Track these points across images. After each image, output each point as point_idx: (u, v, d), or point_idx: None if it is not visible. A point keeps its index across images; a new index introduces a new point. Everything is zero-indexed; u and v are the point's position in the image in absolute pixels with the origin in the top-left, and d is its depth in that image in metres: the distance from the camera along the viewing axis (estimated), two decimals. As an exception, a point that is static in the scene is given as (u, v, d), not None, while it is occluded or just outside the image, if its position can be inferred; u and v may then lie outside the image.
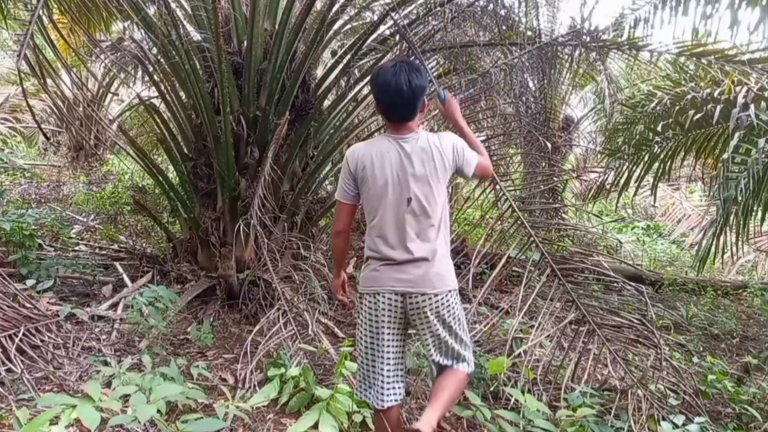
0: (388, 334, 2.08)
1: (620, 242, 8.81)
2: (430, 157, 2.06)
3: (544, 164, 6.59)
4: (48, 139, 11.99)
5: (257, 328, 3.68)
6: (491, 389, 3.06)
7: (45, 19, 3.75)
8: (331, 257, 5.58)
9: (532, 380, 3.01)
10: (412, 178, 2.03)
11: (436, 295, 2.04)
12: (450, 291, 2.11)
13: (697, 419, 2.64)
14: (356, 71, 5.10)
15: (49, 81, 4.09)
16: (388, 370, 2.08)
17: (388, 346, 2.08)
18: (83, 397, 1.96)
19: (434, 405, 2.00)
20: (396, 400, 2.10)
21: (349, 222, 2.21)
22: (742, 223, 4.38)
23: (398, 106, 2.06)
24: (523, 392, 2.62)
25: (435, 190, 2.06)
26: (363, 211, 2.17)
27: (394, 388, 2.09)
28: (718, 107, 4.30)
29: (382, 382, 2.07)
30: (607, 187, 6.56)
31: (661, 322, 4.86)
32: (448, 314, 2.08)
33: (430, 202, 2.05)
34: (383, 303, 2.04)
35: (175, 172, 4.97)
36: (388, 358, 2.08)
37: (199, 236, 4.39)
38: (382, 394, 2.07)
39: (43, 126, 12.34)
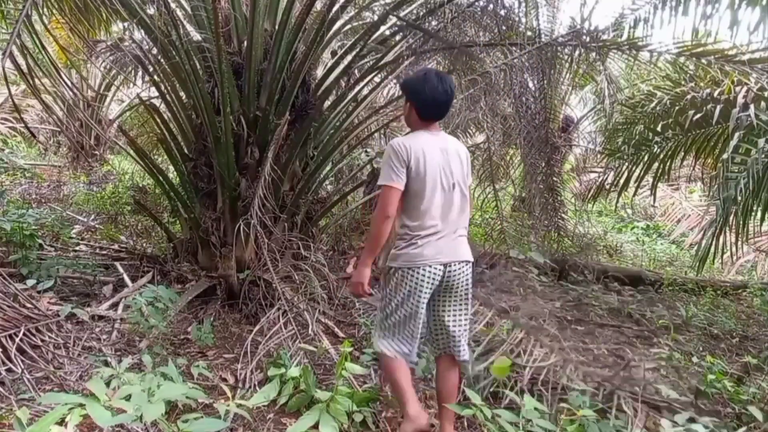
0: (424, 302, 2.42)
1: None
2: (456, 151, 2.51)
3: (543, 164, 6.59)
4: (39, 141, 11.98)
5: (257, 327, 3.69)
6: (491, 389, 3.06)
7: (42, 20, 3.74)
8: (331, 257, 5.61)
9: (533, 380, 3.01)
10: (455, 167, 2.45)
11: (469, 263, 2.48)
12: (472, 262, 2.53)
13: (702, 419, 2.64)
14: (356, 71, 5.10)
15: (46, 81, 4.09)
16: (421, 334, 2.49)
17: (422, 313, 2.44)
18: (89, 396, 1.96)
19: (448, 423, 2.44)
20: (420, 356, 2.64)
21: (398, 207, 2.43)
22: (741, 223, 4.39)
23: (443, 107, 2.50)
24: (522, 392, 2.62)
25: (466, 179, 2.52)
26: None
27: (417, 347, 2.52)
28: (718, 107, 4.30)
29: (414, 342, 2.46)
30: (607, 187, 6.57)
31: (661, 321, 4.86)
32: (469, 285, 2.51)
33: (466, 187, 2.51)
34: (429, 274, 2.37)
35: (175, 172, 4.98)
36: (421, 324, 2.46)
37: (200, 236, 4.40)
38: (412, 352, 2.47)
39: (42, 126, 12.35)
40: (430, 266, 2.37)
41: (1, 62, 3.37)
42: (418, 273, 2.37)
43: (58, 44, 4.90)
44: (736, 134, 4.01)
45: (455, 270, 2.42)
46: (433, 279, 2.39)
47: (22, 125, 12.07)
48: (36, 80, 3.80)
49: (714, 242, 4.15)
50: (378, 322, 2.55)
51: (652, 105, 5.09)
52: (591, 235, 8.07)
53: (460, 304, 2.50)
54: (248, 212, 4.18)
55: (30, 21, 3.51)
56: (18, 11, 4.32)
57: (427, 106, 2.47)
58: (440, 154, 2.43)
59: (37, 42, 3.76)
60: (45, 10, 4.35)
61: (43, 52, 3.84)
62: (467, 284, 2.49)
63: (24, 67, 3.66)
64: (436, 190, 2.39)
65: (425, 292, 2.39)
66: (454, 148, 2.50)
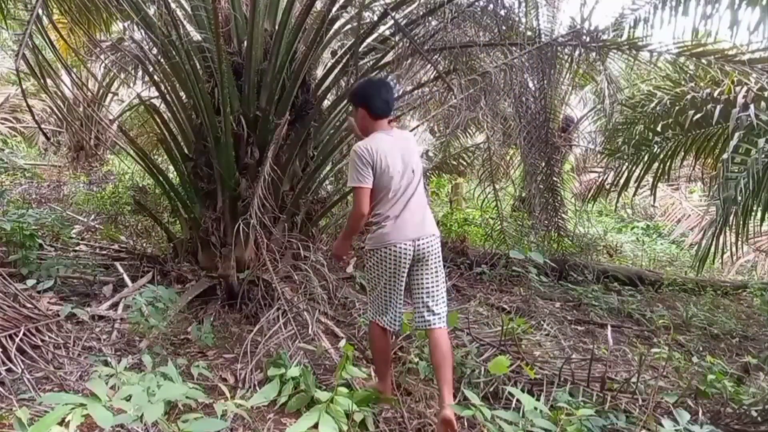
0: (402, 275, 2.77)
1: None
2: (406, 139, 2.91)
3: (543, 164, 6.59)
4: (48, 138, 12.00)
5: (257, 327, 3.69)
6: (491, 389, 3.07)
7: (45, 20, 3.74)
8: (331, 257, 5.60)
9: (533, 380, 3.01)
10: (409, 155, 2.81)
11: (435, 236, 2.82)
12: (439, 235, 2.87)
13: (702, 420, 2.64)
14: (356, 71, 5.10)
15: (48, 81, 4.09)
16: (401, 304, 2.86)
17: (401, 284, 2.81)
18: (89, 396, 1.96)
19: (446, 386, 2.60)
20: (401, 325, 2.95)
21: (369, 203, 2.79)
22: (741, 223, 4.39)
23: (389, 104, 2.89)
24: (522, 391, 2.62)
25: (418, 165, 2.86)
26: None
27: (401, 316, 2.92)
28: (718, 107, 4.30)
29: (398, 311, 2.86)
30: (607, 187, 6.57)
31: (661, 321, 4.87)
32: (439, 256, 2.84)
33: (419, 170, 2.84)
34: (399, 251, 2.71)
35: (175, 173, 4.98)
36: (401, 295, 2.83)
37: (200, 236, 4.40)
38: (396, 320, 2.86)
39: (43, 126, 12.35)
40: (400, 244, 2.72)
41: (15, 63, 3.40)
42: (389, 251, 2.72)
43: (66, 43, 4.90)
44: (736, 134, 4.01)
45: (423, 243, 2.75)
46: (405, 255, 2.73)
47: (22, 125, 12.09)
48: (43, 80, 3.81)
49: (714, 242, 4.15)
50: (368, 298, 3.01)
51: (652, 105, 5.08)
52: (591, 235, 8.08)
53: (432, 275, 2.81)
54: (248, 212, 4.19)
55: (41, 22, 3.53)
56: (19, 10, 4.33)
57: (376, 105, 2.83)
58: (396, 147, 2.77)
59: (47, 42, 3.78)
60: (50, 10, 4.36)
61: (52, 51, 3.86)
62: (437, 255, 2.83)
63: (35, 67, 3.67)
64: (399, 180, 2.75)
65: (400, 268, 2.74)
66: (404, 138, 2.90)
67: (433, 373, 2.80)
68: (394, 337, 3.31)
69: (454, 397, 2.67)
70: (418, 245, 2.75)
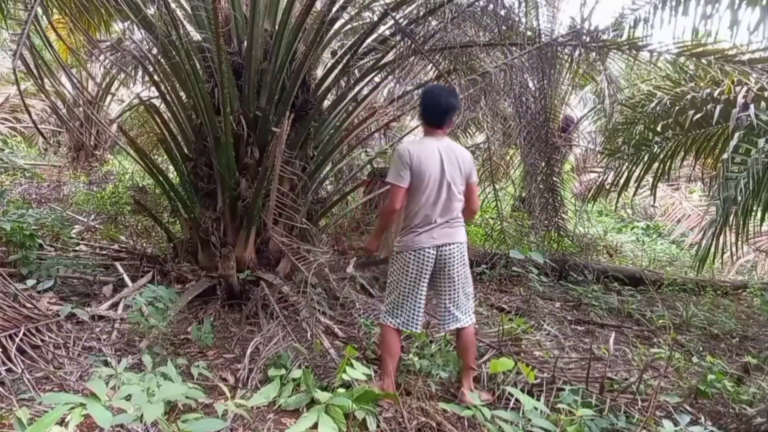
0: (423, 280, 2.93)
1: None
2: (454, 152, 2.95)
3: (543, 164, 6.59)
4: (45, 138, 12.00)
5: (257, 328, 3.69)
6: (490, 389, 3.07)
7: (44, 20, 3.74)
8: (332, 256, 5.61)
9: (533, 380, 3.01)
10: (449, 167, 2.90)
11: (460, 243, 2.95)
12: (465, 242, 2.99)
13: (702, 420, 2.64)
14: (356, 71, 5.10)
15: (48, 81, 4.09)
16: (420, 307, 2.98)
17: (421, 288, 2.95)
18: (89, 395, 1.96)
19: (467, 374, 2.95)
20: (418, 327, 3.02)
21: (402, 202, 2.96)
22: (741, 223, 4.39)
23: (442, 116, 2.98)
24: (522, 392, 2.62)
25: (461, 178, 2.95)
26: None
27: (419, 318, 3.01)
28: (718, 107, 4.30)
29: (415, 314, 2.98)
30: (607, 187, 6.57)
31: (661, 321, 4.87)
32: (463, 261, 2.96)
33: (459, 185, 2.94)
34: (424, 256, 2.88)
35: (175, 172, 4.97)
36: (420, 298, 2.97)
37: (200, 236, 4.40)
38: (411, 322, 2.98)
39: (43, 126, 12.37)
40: (424, 249, 2.88)
41: (12, 63, 3.39)
42: (414, 255, 2.89)
43: (64, 43, 4.90)
44: (736, 134, 4.01)
45: (447, 250, 2.89)
46: (428, 261, 2.88)
47: (22, 125, 12.09)
48: (42, 80, 3.81)
49: (714, 242, 4.15)
50: (385, 299, 3.09)
51: (652, 105, 5.08)
52: (591, 235, 8.08)
53: (455, 281, 2.95)
54: (248, 212, 4.19)
55: (38, 21, 3.52)
56: (19, 11, 4.33)
57: (430, 115, 2.99)
58: (439, 155, 2.89)
59: (45, 42, 3.77)
60: (49, 10, 4.36)
61: (50, 52, 3.85)
62: (461, 261, 2.95)
63: (32, 67, 3.66)
64: (433, 186, 2.87)
65: (422, 273, 2.90)
66: (452, 149, 2.95)
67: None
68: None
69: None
70: (442, 251, 2.89)
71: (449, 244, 2.90)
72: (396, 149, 2.99)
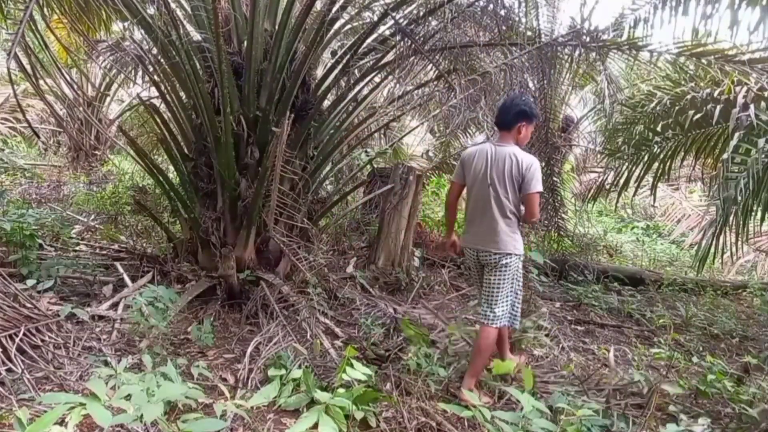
0: (475, 275, 3.30)
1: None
2: (504, 157, 3.04)
3: (543, 164, 6.59)
4: (39, 137, 11.98)
5: (257, 328, 3.68)
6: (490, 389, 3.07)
7: (42, 20, 3.72)
8: (332, 255, 5.62)
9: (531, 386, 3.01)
10: (494, 171, 3.04)
11: (492, 252, 3.05)
12: (501, 252, 3.05)
13: (700, 420, 2.64)
14: (356, 71, 5.10)
15: (46, 81, 4.08)
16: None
17: (479, 282, 3.26)
18: (89, 395, 1.96)
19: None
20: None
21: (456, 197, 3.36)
22: (741, 223, 4.38)
23: (500, 117, 3.17)
24: (522, 392, 2.62)
25: (508, 182, 3.03)
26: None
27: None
28: (718, 107, 4.30)
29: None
30: (607, 187, 6.56)
31: (661, 321, 4.87)
32: (498, 270, 3.06)
33: (503, 189, 3.02)
34: (469, 254, 3.23)
35: (175, 172, 4.97)
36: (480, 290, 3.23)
37: (200, 236, 4.40)
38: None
39: (43, 126, 12.36)
40: (467, 249, 3.22)
41: (7, 63, 3.38)
42: (465, 252, 3.29)
43: (60, 44, 4.89)
44: (736, 134, 4.01)
45: (482, 255, 3.10)
46: (471, 259, 3.22)
47: (22, 125, 12.08)
48: (38, 80, 3.79)
49: (714, 242, 4.15)
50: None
51: (652, 105, 5.08)
52: (591, 235, 8.08)
53: (489, 284, 3.11)
54: (248, 212, 4.19)
55: (34, 21, 3.50)
56: (18, 11, 4.32)
57: (496, 117, 3.24)
58: (488, 158, 3.07)
59: (40, 42, 3.75)
60: (47, 10, 4.35)
61: (45, 52, 3.83)
62: (494, 268, 3.06)
63: (27, 68, 3.65)
64: (474, 186, 3.10)
65: (472, 269, 3.27)
66: (506, 154, 3.04)
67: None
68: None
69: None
70: (480, 254, 3.12)
71: (483, 250, 3.09)
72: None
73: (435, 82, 5.08)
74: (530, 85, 5.61)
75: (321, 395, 2.60)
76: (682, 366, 3.38)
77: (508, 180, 3.00)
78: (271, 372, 3.01)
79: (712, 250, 4.17)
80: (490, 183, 3.02)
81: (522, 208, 3.10)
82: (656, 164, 5.42)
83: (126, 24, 4.93)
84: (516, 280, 3.19)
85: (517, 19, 4.86)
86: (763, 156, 3.82)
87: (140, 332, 3.45)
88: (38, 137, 11.96)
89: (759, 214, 4.58)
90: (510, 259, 3.05)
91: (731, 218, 4.13)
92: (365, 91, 5.26)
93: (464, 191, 3.37)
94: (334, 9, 4.26)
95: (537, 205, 3.06)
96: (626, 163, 5.64)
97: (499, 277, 3.06)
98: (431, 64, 4.48)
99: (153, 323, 3.28)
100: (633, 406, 2.95)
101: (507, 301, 3.11)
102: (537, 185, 3.00)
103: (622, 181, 5.68)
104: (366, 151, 7.08)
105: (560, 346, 4.06)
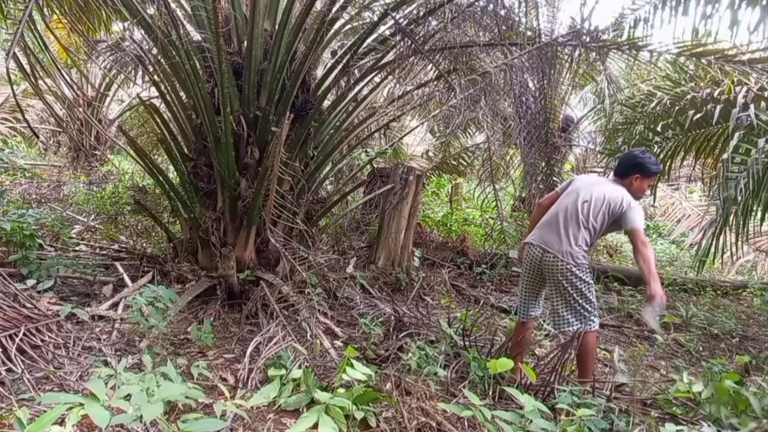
0: (528, 275, 3.46)
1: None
2: (597, 194, 3.25)
3: (543, 164, 6.59)
4: (38, 137, 11.99)
5: (257, 328, 3.68)
6: (492, 389, 3.06)
7: (42, 20, 3.71)
8: (331, 254, 5.62)
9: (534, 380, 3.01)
10: (582, 203, 3.26)
11: (556, 257, 3.20)
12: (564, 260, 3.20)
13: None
14: (356, 71, 5.10)
15: (46, 81, 4.07)
16: (530, 301, 3.47)
17: (530, 284, 3.48)
18: (88, 395, 1.96)
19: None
20: (525, 316, 3.49)
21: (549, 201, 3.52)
22: (741, 223, 4.39)
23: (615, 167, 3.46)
24: (521, 391, 2.62)
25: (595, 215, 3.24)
26: None
27: (528, 311, 3.49)
28: (718, 107, 4.30)
29: (525, 306, 3.46)
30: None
31: (664, 320, 4.86)
32: (559, 280, 3.22)
33: (583, 217, 3.23)
34: (528, 250, 3.40)
35: (175, 172, 4.97)
36: (528, 293, 3.46)
37: (200, 236, 4.40)
38: (522, 312, 3.48)
39: (43, 126, 12.37)
40: (528, 244, 3.43)
41: (6, 63, 3.37)
42: (525, 249, 3.47)
43: (60, 44, 4.89)
44: (736, 134, 4.01)
45: (547, 257, 3.25)
46: (530, 256, 3.38)
47: (22, 125, 12.09)
48: (38, 80, 3.79)
49: (714, 242, 4.15)
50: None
51: (652, 105, 5.09)
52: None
53: (553, 293, 3.31)
54: (248, 212, 4.19)
55: (33, 21, 3.50)
56: (18, 11, 4.32)
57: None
58: (594, 188, 3.28)
59: (40, 42, 3.74)
60: (46, 9, 4.35)
61: (45, 52, 3.82)
62: (556, 275, 3.22)
63: (27, 68, 3.65)
64: (568, 200, 3.31)
65: (527, 267, 3.43)
66: (610, 195, 3.22)
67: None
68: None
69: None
70: (545, 257, 3.24)
71: (548, 252, 3.25)
72: None
73: (435, 82, 5.08)
74: (530, 85, 5.61)
75: (321, 395, 2.60)
76: (681, 367, 3.38)
77: (593, 211, 3.21)
78: (271, 372, 3.01)
79: (712, 250, 4.17)
80: (574, 210, 3.24)
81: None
82: (656, 164, 5.41)
83: (126, 24, 4.93)
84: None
85: (517, 19, 4.87)
86: (763, 156, 3.82)
87: (140, 332, 3.45)
88: (38, 137, 11.97)
89: (759, 214, 4.59)
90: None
91: (731, 218, 4.14)
92: (365, 91, 5.26)
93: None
94: (334, 9, 4.26)
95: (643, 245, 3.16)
96: (626, 163, 5.63)
97: (562, 288, 3.25)
98: (431, 64, 4.48)
99: (153, 323, 3.28)
100: (633, 406, 2.95)
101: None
102: (632, 224, 3.16)
103: (622, 181, 5.67)
104: (366, 151, 7.07)
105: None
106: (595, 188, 3.27)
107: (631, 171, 3.29)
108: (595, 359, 3.35)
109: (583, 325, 3.17)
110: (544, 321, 4.50)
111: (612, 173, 3.44)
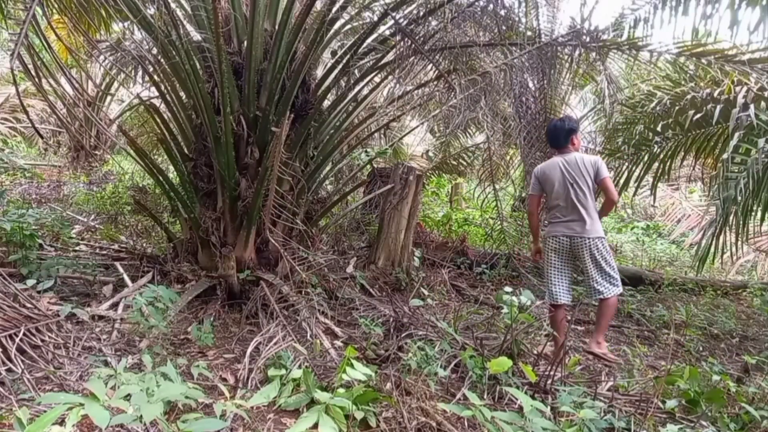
0: (557, 260, 3.91)
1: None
2: (576, 161, 3.78)
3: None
4: (42, 137, 11.99)
5: (257, 328, 3.68)
6: (493, 389, 3.06)
7: (43, 19, 3.71)
8: (331, 254, 5.62)
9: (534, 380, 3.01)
10: (573, 172, 3.76)
11: (584, 237, 3.71)
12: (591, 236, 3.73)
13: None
14: (356, 71, 5.10)
15: (47, 81, 4.07)
16: (560, 284, 3.92)
17: (558, 268, 3.93)
18: (88, 395, 1.95)
19: (597, 330, 3.82)
20: (556, 298, 3.93)
21: (536, 206, 4.08)
22: (741, 223, 4.39)
23: (552, 140, 3.98)
24: (518, 389, 2.62)
25: (582, 182, 3.75)
26: None
27: (559, 294, 3.92)
28: (718, 107, 4.30)
29: (557, 289, 3.90)
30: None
31: (661, 320, 4.86)
32: (593, 253, 3.71)
33: (583, 184, 3.75)
34: (555, 241, 3.84)
35: (175, 172, 4.98)
36: (558, 276, 3.91)
37: (200, 236, 4.40)
38: (555, 295, 3.90)
39: (43, 126, 12.37)
40: (552, 236, 3.83)
41: (10, 63, 3.37)
42: (548, 241, 3.87)
43: (62, 43, 4.89)
44: (736, 134, 4.01)
45: (576, 241, 3.73)
46: (559, 245, 3.82)
47: (22, 125, 12.09)
48: (40, 80, 3.79)
49: (714, 242, 4.15)
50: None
51: (652, 105, 5.08)
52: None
53: (591, 266, 3.73)
54: (248, 212, 4.19)
55: (36, 21, 3.50)
56: (18, 11, 4.33)
57: (549, 141, 4.06)
58: (559, 166, 3.79)
59: (43, 42, 3.74)
60: (48, 9, 4.34)
61: (49, 52, 3.82)
62: (590, 251, 3.71)
63: (30, 68, 3.64)
64: (557, 190, 3.78)
65: (556, 255, 3.85)
66: (574, 160, 3.77)
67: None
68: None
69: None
70: (574, 241, 3.74)
71: (575, 237, 3.72)
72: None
73: (435, 82, 5.08)
74: (530, 85, 5.61)
75: (321, 395, 2.60)
76: (680, 367, 3.38)
77: (584, 176, 3.72)
78: (271, 372, 3.01)
79: (712, 250, 4.17)
80: (572, 185, 3.72)
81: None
82: (656, 164, 5.42)
83: (126, 24, 4.93)
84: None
85: (517, 19, 4.87)
86: (763, 156, 3.82)
87: (140, 332, 3.45)
88: (41, 137, 11.97)
89: (759, 214, 4.59)
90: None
91: (731, 218, 4.14)
92: (365, 91, 5.26)
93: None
94: (334, 9, 4.26)
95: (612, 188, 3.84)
96: (626, 163, 5.64)
97: (599, 258, 3.73)
98: (431, 64, 4.49)
99: (153, 323, 3.28)
100: (633, 406, 2.95)
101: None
102: (603, 171, 3.75)
103: (622, 181, 5.68)
104: (366, 151, 7.08)
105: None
106: (563, 167, 3.78)
107: (568, 136, 3.85)
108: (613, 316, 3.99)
109: (615, 288, 3.74)
110: (543, 321, 4.50)
111: (556, 149, 3.94)
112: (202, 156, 4.48)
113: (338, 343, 3.74)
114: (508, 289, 3.67)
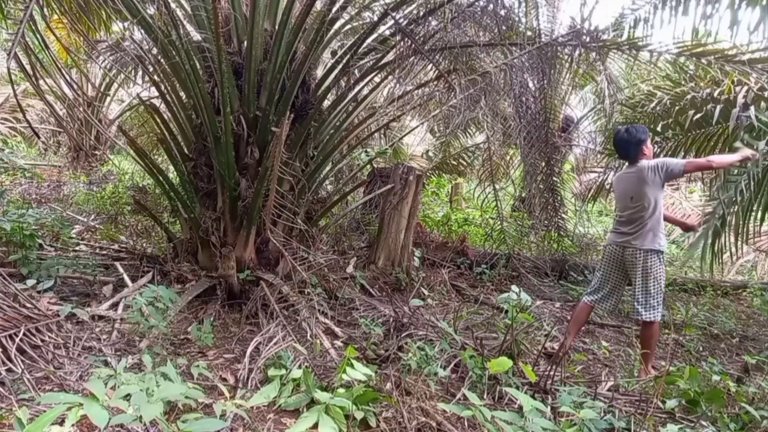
0: (607, 269, 3.95)
1: None
2: (631, 174, 3.73)
3: (543, 164, 6.59)
4: (39, 137, 12.00)
5: (257, 328, 3.68)
6: (493, 389, 3.06)
7: (42, 20, 3.71)
8: (331, 254, 5.62)
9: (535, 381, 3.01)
10: (630, 186, 3.74)
11: (636, 248, 3.65)
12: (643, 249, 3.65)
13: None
14: (356, 71, 5.10)
15: (46, 81, 4.07)
16: (611, 293, 3.94)
17: (608, 276, 3.95)
18: (88, 395, 1.95)
19: (645, 359, 3.66)
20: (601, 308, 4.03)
21: None
22: (741, 223, 4.39)
23: (620, 151, 3.86)
24: (518, 389, 2.62)
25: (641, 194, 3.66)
26: None
27: (607, 303, 3.98)
28: (718, 107, 4.30)
29: (606, 297, 3.94)
30: (607, 187, 6.56)
31: (661, 320, 4.84)
32: (642, 268, 3.64)
33: (637, 197, 3.68)
34: (609, 249, 3.89)
35: (175, 172, 4.98)
36: (609, 285, 3.93)
37: (200, 236, 4.40)
38: (602, 303, 3.96)
39: (43, 126, 12.37)
40: (608, 245, 3.88)
41: (7, 63, 3.36)
42: (605, 249, 3.97)
43: (60, 44, 4.89)
44: (738, 137, 4.01)
45: (628, 252, 3.70)
46: (611, 254, 3.84)
47: (22, 125, 12.09)
48: (38, 80, 3.78)
49: (714, 242, 4.15)
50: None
51: (652, 105, 5.09)
52: (591, 235, 8.08)
53: (637, 280, 3.67)
54: (248, 212, 4.19)
55: (34, 21, 3.49)
56: (18, 11, 4.32)
57: (617, 154, 4.01)
58: (623, 180, 3.81)
59: (40, 42, 3.74)
60: (47, 10, 4.34)
61: (45, 52, 3.82)
62: (639, 266, 3.63)
63: (27, 68, 3.64)
64: (618, 201, 3.87)
65: (608, 263, 3.89)
66: (633, 172, 3.69)
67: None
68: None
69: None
70: (626, 252, 3.70)
71: (628, 247, 3.69)
72: None
73: (435, 82, 5.07)
74: (530, 85, 5.61)
75: (321, 395, 2.60)
76: (680, 368, 3.38)
77: (640, 188, 3.63)
78: (271, 372, 3.01)
79: (708, 251, 4.17)
80: (632, 198, 3.68)
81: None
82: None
83: (126, 24, 4.93)
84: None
85: (517, 19, 4.87)
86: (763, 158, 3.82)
87: (140, 332, 3.45)
88: (38, 137, 11.97)
89: (759, 214, 4.59)
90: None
91: (731, 218, 4.14)
92: (365, 91, 5.26)
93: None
94: (334, 9, 4.26)
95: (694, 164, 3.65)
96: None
97: (646, 274, 3.65)
98: (431, 64, 4.48)
99: (153, 323, 3.28)
100: (633, 406, 2.95)
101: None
102: (675, 164, 3.57)
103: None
104: (366, 151, 7.08)
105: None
106: (626, 178, 3.76)
107: (638, 147, 3.69)
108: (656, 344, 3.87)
109: (652, 313, 3.63)
110: (544, 321, 4.50)
111: (626, 165, 3.83)
112: (202, 156, 4.48)
113: (338, 343, 3.74)
114: (515, 288, 3.55)
